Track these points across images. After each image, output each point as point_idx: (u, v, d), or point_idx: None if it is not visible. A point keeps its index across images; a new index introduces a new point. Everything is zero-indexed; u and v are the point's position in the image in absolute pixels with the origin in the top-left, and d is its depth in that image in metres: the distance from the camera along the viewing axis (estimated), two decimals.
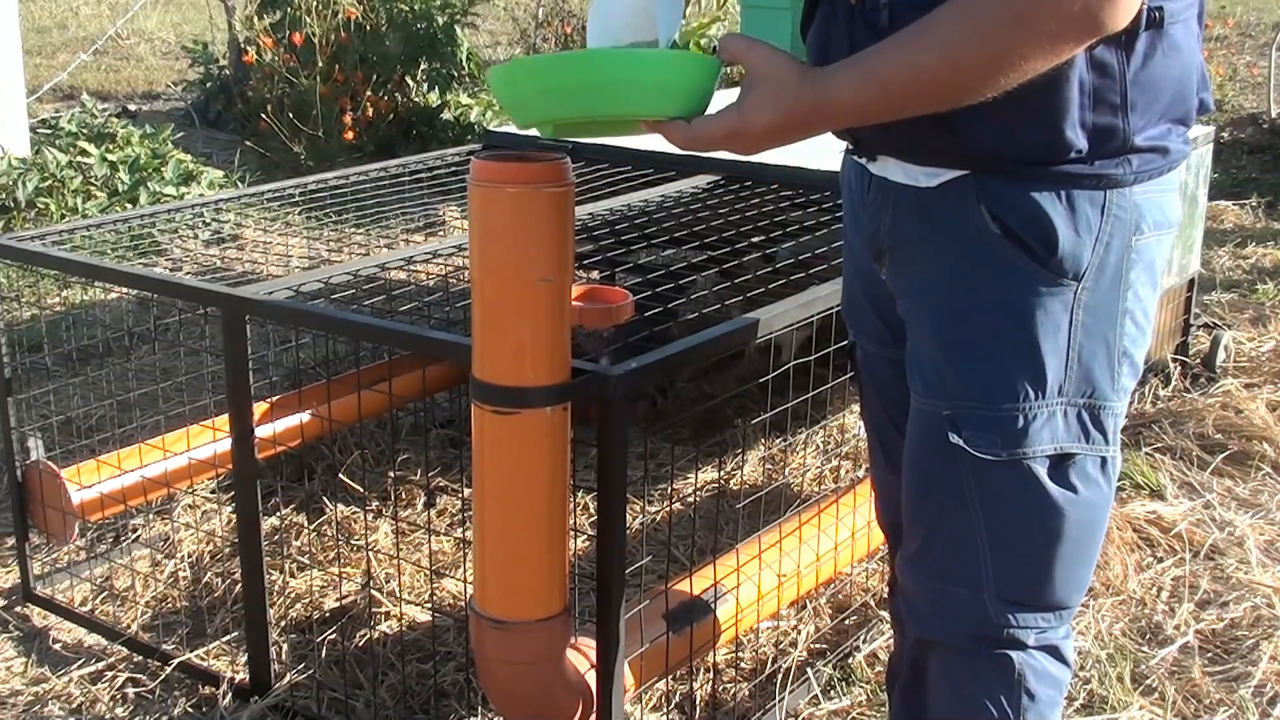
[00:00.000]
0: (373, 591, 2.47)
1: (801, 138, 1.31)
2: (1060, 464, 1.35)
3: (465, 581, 2.45)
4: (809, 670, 2.25)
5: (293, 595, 2.50)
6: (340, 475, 2.92)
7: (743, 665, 2.31)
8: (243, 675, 2.25)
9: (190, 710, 2.21)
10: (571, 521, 1.74)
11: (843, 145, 1.48)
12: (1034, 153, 1.27)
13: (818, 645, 2.36)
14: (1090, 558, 1.42)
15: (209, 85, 7.75)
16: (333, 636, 2.37)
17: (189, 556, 2.66)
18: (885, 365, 1.55)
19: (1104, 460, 1.37)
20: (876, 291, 1.50)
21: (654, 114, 1.29)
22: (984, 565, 1.39)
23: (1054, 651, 1.44)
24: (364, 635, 2.37)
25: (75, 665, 2.33)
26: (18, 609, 2.53)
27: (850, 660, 2.31)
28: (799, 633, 2.37)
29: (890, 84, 1.21)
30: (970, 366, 1.34)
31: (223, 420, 2.26)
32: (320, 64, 6.37)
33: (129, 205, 5.08)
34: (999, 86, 1.17)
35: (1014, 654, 1.42)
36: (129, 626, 2.44)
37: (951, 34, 1.16)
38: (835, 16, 1.36)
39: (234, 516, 2.24)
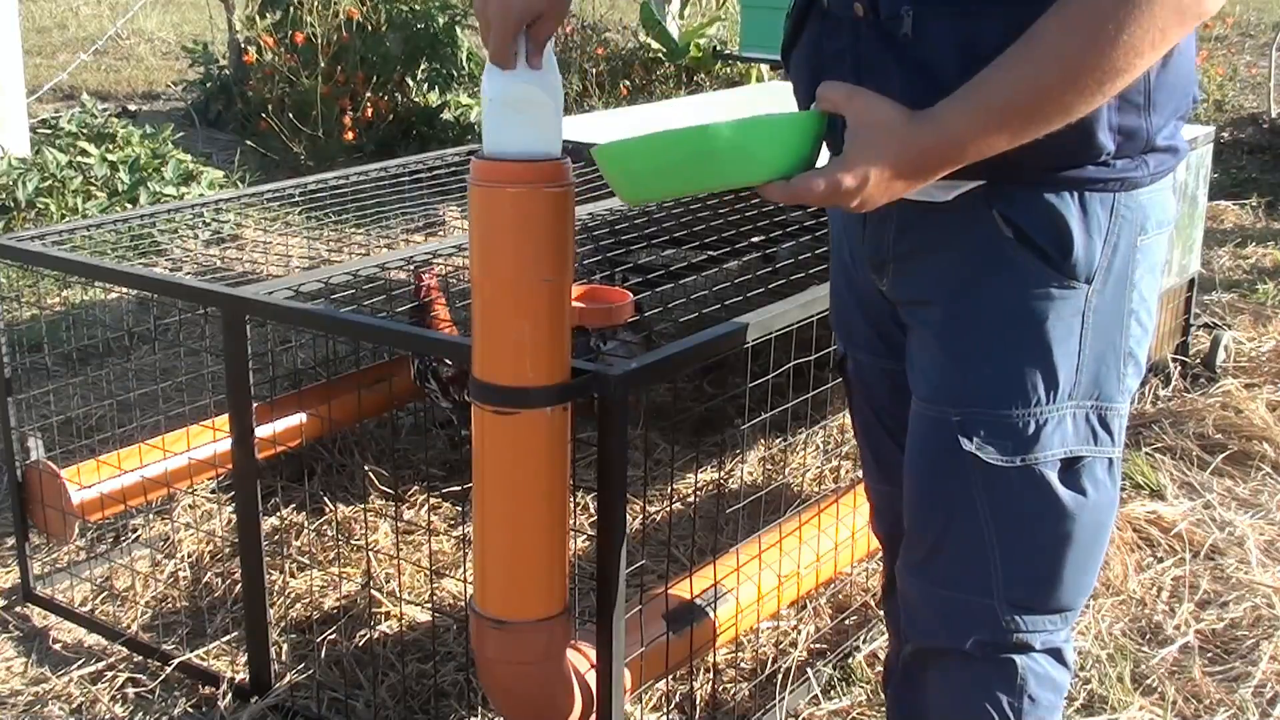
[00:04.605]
0: (373, 591, 2.47)
1: (916, 185, 1.24)
2: (1070, 467, 1.35)
3: (465, 581, 2.45)
4: (809, 670, 2.25)
5: (293, 595, 2.50)
6: (340, 476, 2.93)
7: (743, 665, 2.31)
8: (243, 675, 2.25)
9: (190, 710, 2.21)
10: (571, 521, 1.74)
11: None
12: (1064, 158, 1.25)
13: (818, 645, 2.36)
14: (1097, 560, 1.41)
15: (209, 85, 7.75)
16: (333, 636, 2.37)
17: (189, 556, 2.66)
18: (879, 376, 1.54)
19: (1110, 461, 1.37)
20: (871, 302, 1.49)
21: (765, 179, 1.24)
22: (994, 571, 1.38)
23: (1056, 654, 1.44)
24: (364, 635, 2.37)
25: (75, 665, 2.33)
26: (18, 609, 2.53)
27: (850, 660, 2.31)
28: (799, 633, 2.37)
29: (1009, 110, 1.16)
30: (981, 372, 1.33)
31: (223, 420, 2.26)
32: (321, 64, 6.37)
33: (129, 205, 5.08)
34: (1114, 91, 1.14)
35: (1017, 658, 1.41)
36: (129, 626, 2.44)
37: (1066, 45, 1.12)
38: (835, 33, 1.32)
39: (234, 516, 2.24)
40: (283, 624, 2.42)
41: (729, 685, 2.25)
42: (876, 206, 1.25)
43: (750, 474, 3.05)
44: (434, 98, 7.04)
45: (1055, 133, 1.19)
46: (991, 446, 1.33)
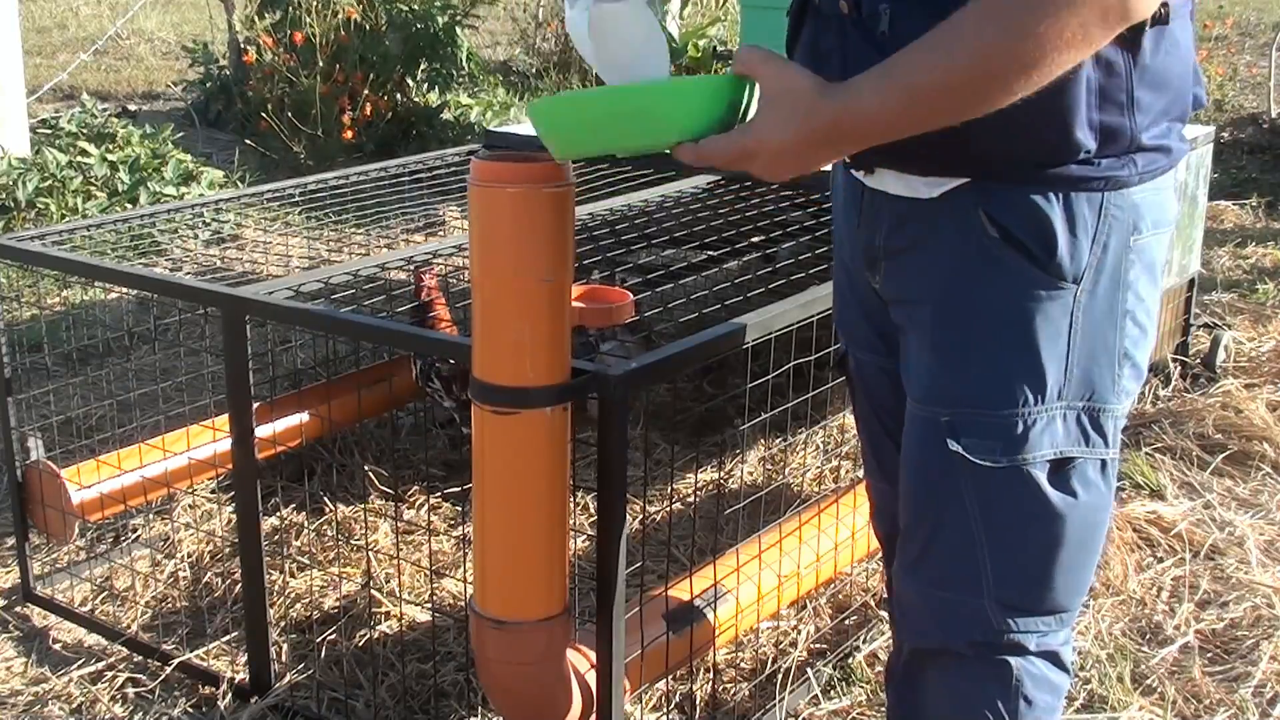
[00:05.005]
0: (373, 591, 2.47)
1: (826, 157, 1.24)
2: (1060, 469, 1.34)
3: (465, 581, 2.45)
4: (809, 670, 2.25)
5: (293, 595, 2.50)
6: (340, 476, 2.93)
7: (743, 665, 2.31)
8: (243, 675, 2.25)
9: (190, 710, 2.21)
10: (571, 521, 1.74)
11: None
12: (1044, 155, 1.25)
13: (818, 645, 2.36)
14: (1091, 561, 1.41)
15: (209, 85, 7.75)
16: (333, 636, 2.37)
17: (189, 556, 2.66)
18: (878, 374, 1.54)
19: (1104, 463, 1.36)
20: (869, 300, 1.49)
21: (676, 139, 1.26)
22: (984, 571, 1.38)
23: (1053, 657, 1.44)
24: (364, 635, 2.37)
25: (75, 665, 2.33)
26: (18, 609, 2.53)
27: (850, 660, 2.31)
28: (799, 633, 2.37)
29: (918, 90, 1.15)
30: (969, 372, 1.33)
31: (223, 420, 2.27)
32: (320, 64, 6.37)
33: (129, 205, 5.08)
34: (1031, 85, 1.13)
35: (1012, 660, 1.41)
36: (129, 626, 2.44)
37: (982, 33, 1.12)
38: (826, 30, 1.33)
39: (234, 516, 2.25)
40: (283, 624, 2.42)
41: (729, 685, 2.25)
42: (787, 175, 1.25)
43: (750, 474, 3.05)
44: (434, 98, 7.04)
45: (1033, 128, 1.20)
46: (980, 447, 1.32)
